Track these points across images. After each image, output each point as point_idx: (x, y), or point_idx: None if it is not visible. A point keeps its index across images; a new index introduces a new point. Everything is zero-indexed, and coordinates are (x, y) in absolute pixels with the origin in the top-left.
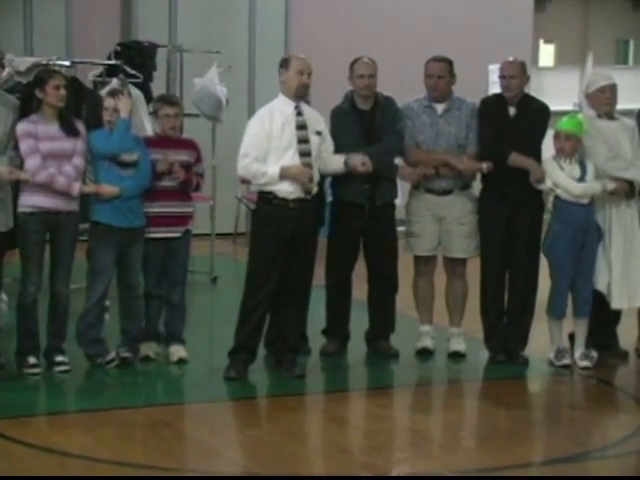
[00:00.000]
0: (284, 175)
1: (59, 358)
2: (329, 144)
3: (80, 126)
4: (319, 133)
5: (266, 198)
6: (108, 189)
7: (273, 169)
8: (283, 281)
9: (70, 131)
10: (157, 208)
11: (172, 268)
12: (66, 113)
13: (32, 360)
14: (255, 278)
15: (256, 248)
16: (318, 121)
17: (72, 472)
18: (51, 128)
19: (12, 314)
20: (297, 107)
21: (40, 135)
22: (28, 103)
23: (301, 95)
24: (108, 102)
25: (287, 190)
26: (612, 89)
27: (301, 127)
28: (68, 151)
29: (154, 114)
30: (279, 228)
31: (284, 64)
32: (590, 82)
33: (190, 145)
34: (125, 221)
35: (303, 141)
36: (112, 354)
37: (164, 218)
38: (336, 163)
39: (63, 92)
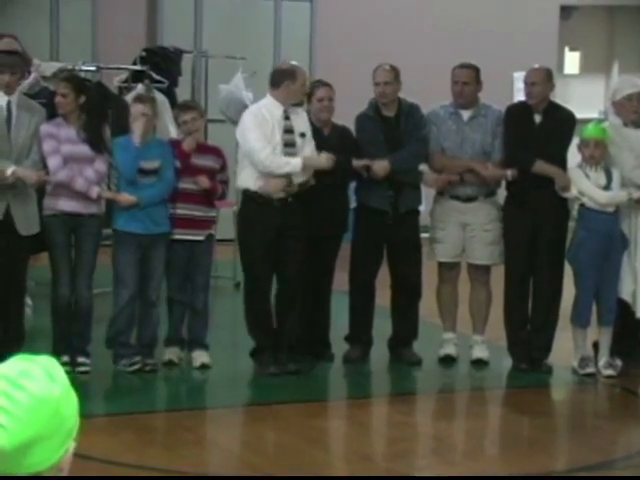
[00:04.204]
0: (308, 165)
1: (81, 359)
2: (310, 145)
3: (106, 132)
4: (303, 135)
5: (251, 197)
6: (125, 198)
7: (296, 159)
8: (280, 282)
9: (90, 142)
10: (180, 210)
11: (195, 273)
12: (93, 123)
13: (65, 358)
14: (250, 264)
15: (245, 243)
16: (304, 122)
17: (94, 475)
18: (73, 132)
19: (36, 318)
20: (285, 111)
21: (62, 138)
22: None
23: (300, 103)
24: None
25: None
26: (639, 97)
27: (288, 131)
28: (89, 155)
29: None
30: (264, 226)
31: (290, 76)
32: (617, 89)
33: (216, 152)
34: (143, 227)
35: (289, 144)
36: (138, 361)
37: (186, 221)
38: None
39: (59, 99)
